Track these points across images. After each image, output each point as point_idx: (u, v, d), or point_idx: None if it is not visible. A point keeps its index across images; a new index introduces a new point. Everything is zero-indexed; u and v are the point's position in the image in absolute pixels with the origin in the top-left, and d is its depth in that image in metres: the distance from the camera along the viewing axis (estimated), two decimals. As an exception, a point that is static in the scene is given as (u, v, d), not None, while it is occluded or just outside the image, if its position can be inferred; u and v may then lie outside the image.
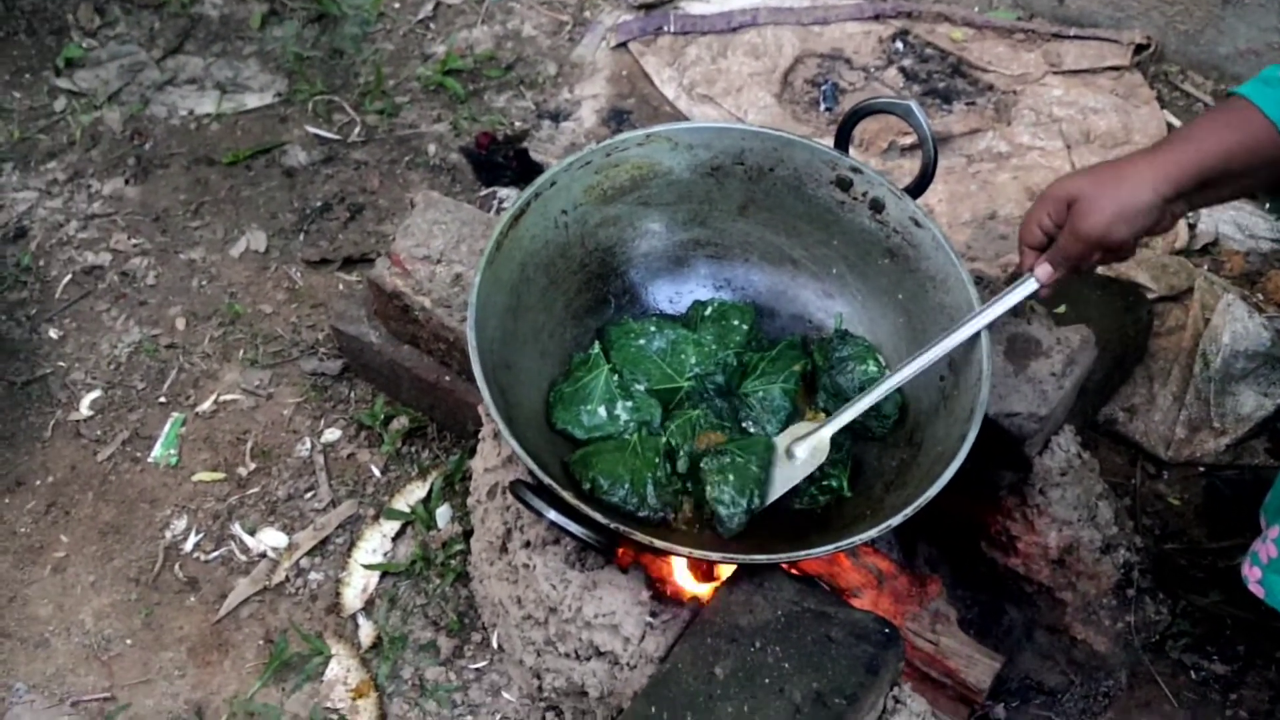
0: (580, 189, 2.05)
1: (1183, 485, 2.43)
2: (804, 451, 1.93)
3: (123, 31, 3.27)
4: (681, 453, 1.98)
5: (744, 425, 2.05)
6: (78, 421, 2.53)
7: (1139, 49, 3.14)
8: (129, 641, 2.25)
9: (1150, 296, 2.55)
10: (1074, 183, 1.75)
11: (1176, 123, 2.98)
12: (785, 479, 1.93)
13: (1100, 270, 2.64)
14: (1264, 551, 1.73)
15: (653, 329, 2.10)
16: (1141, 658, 2.21)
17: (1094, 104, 3.01)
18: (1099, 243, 1.74)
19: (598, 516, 1.72)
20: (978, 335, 1.88)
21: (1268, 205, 1.86)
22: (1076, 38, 3.17)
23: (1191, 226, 2.78)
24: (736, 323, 2.11)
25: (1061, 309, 2.30)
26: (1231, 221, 2.79)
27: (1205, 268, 2.70)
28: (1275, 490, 1.87)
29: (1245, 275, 2.72)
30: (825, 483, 1.96)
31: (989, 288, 2.20)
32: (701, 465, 1.93)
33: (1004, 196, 2.84)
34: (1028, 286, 1.85)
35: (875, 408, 1.98)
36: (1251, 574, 1.75)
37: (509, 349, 1.95)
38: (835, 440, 1.94)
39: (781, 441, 1.97)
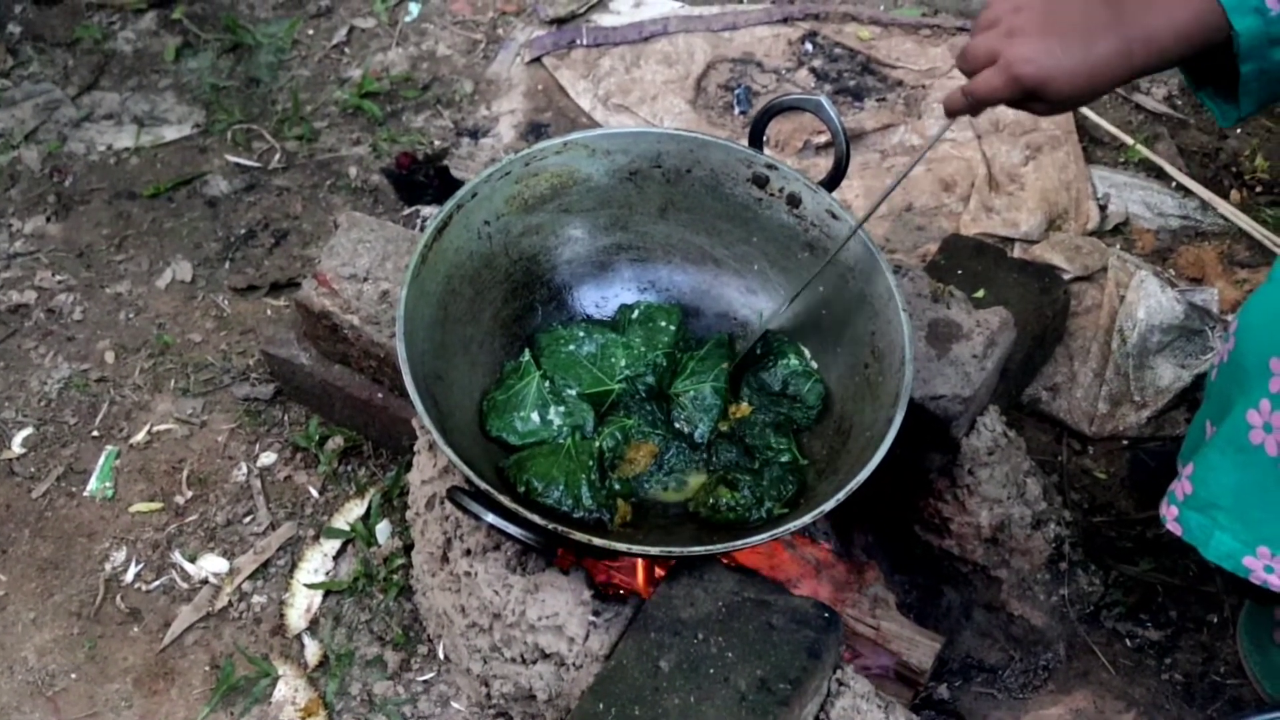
0: (501, 199, 2.07)
1: (1108, 459, 2.48)
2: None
3: (36, 70, 3.26)
4: (612, 462, 2.01)
5: (676, 425, 2.08)
6: (10, 460, 2.52)
7: None
8: (73, 676, 2.24)
9: (1065, 277, 2.60)
10: (1053, 82, 1.63)
11: (1083, 110, 3.04)
12: None
13: (1015, 255, 2.70)
14: (1180, 489, 1.77)
15: (581, 334, 2.13)
16: (1078, 629, 2.26)
17: (1002, 94, 3.07)
18: (1033, 93, 1.68)
19: (534, 518, 1.74)
20: (899, 320, 1.92)
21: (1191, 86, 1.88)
22: (982, 31, 3.23)
23: (1103, 208, 2.85)
24: (664, 324, 2.14)
25: (980, 294, 2.35)
26: (1141, 201, 2.86)
27: (1117, 247, 2.76)
28: (1189, 437, 1.92)
29: (1156, 252, 2.78)
30: (782, 459, 2.00)
31: (908, 276, 2.25)
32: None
33: (919, 189, 2.89)
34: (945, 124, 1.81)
35: (799, 399, 2.02)
36: (1169, 513, 1.78)
37: (439, 360, 1.97)
38: (756, 424, 2.03)
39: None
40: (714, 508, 1.94)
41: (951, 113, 1.77)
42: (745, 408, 2.07)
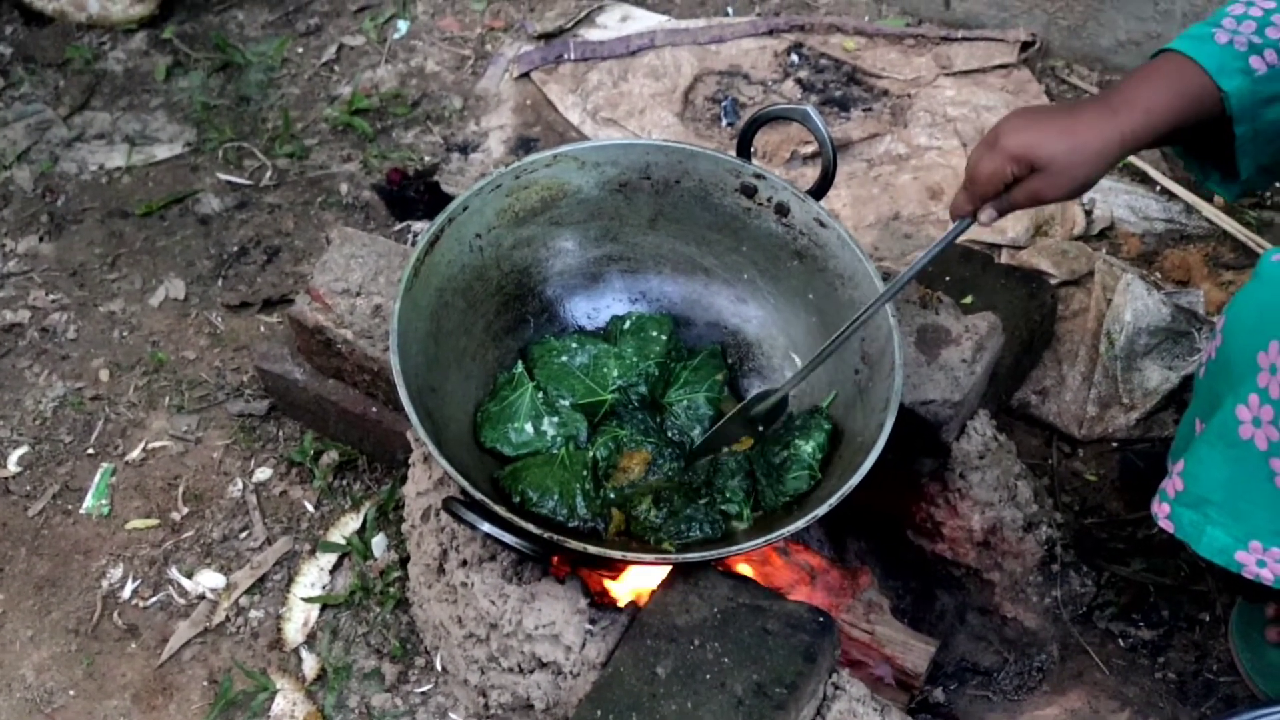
0: (492, 212, 2.09)
1: (1098, 461, 2.50)
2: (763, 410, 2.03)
3: (28, 91, 3.27)
4: (606, 472, 2.02)
5: (669, 434, 2.10)
6: (6, 479, 2.52)
7: (1025, 46, 3.24)
8: (72, 693, 2.24)
9: (1053, 282, 2.62)
10: (1040, 145, 1.72)
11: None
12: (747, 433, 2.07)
13: (1003, 260, 2.72)
14: (1170, 486, 1.79)
15: (574, 345, 2.14)
16: (1071, 630, 2.27)
17: (986, 102, 3.10)
18: (1053, 203, 1.79)
19: (530, 527, 1.76)
20: (889, 327, 1.94)
21: (1182, 164, 1.92)
22: (965, 39, 3.26)
23: (1088, 213, 2.87)
24: (655, 334, 2.16)
25: (968, 299, 2.37)
26: (1126, 205, 2.88)
27: (1104, 251, 2.78)
28: (1179, 435, 1.94)
29: (1142, 256, 2.80)
30: (724, 508, 2.01)
31: (897, 283, 2.27)
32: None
33: (905, 197, 2.91)
34: (966, 225, 1.85)
35: (783, 483, 2.01)
36: (1161, 510, 1.80)
37: (433, 373, 1.98)
38: (732, 469, 2.04)
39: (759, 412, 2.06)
40: (635, 517, 1.97)
41: (957, 214, 1.85)
42: (748, 440, 2.09)
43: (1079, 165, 1.72)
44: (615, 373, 2.12)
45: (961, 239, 2.73)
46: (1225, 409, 1.68)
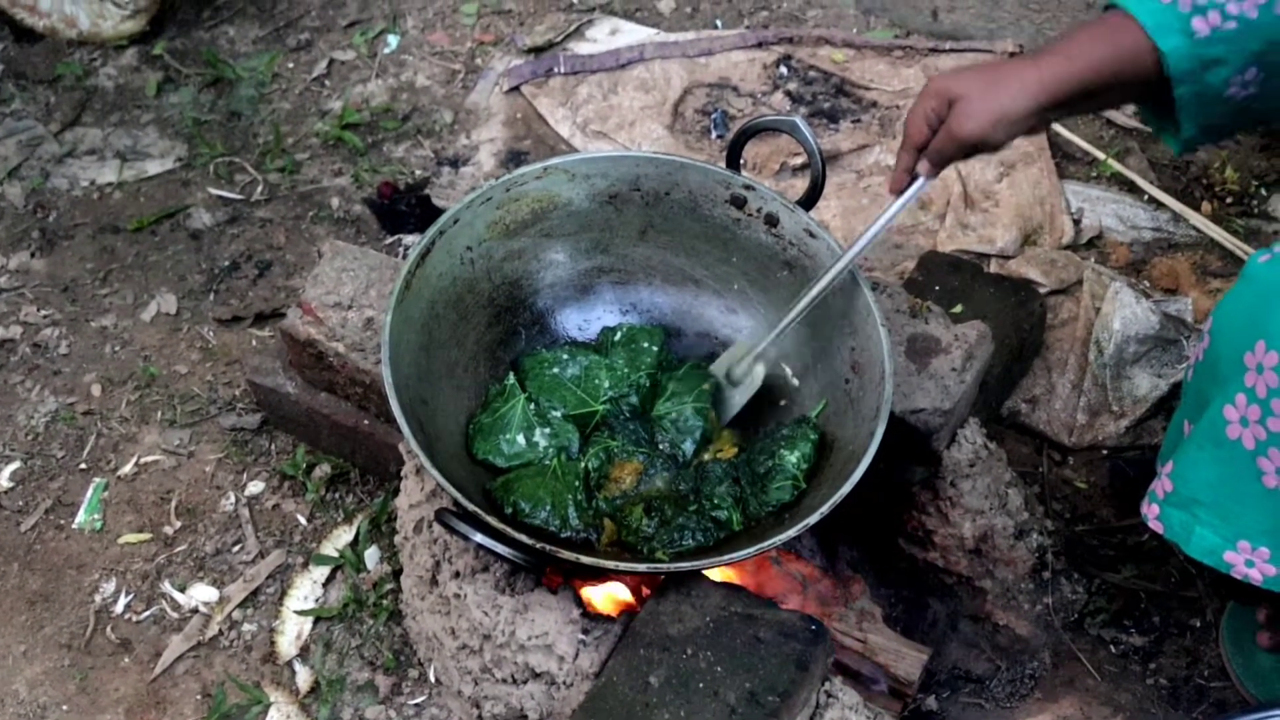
0: (483, 225, 2.10)
1: (1088, 469, 2.51)
2: (742, 373, 2.08)
3: (19, 108, 3.28)
4: (598, 482, 2.03)
5: (659, 446, 2.11)
6: (-2, 494, 2.54)
7: (1012, 57, 3.25)
8: (65, 708, 2.24)
9: (1042, 291, 2.63)
10: (957, 82, 1.81)
11: (1055, 125, 3.08)
12: (734, 402, 2.11)
13: (992, 269, 2.73)
14: (1160, 488, 1.80)
15: (565, 357, 2.15)
16: (1062, 637, 2.28)
17: (975, 113, 3.11)
18: (974, 145, 1.82)
19: (522, 538, 1.76)
20: (878, 336, 1.95)
21: (1138, 114, 1.95)
22: (952, 50, 3.28)
23: (1076, 222, 2.88)
24: (646, 344, 2.17)
25: (958, 309, 2.38)
26: (1114, 214, 2.89)
27: (1092, 260, 2.79)
28: (1167, 437, 1.95)
29: (1130, 264, 2.81)
30: (715, 514, 2.01)
31: (887, 293, 2.28)
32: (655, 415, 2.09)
33: (895, 207, 2.92)
34: (920, 185, 1.92)
35: (766, 492, 2.01)
36: (1150, 511, 1.81)
37: (425, 385, 1.99)
38: (719, 475, 2.04)
39: (719, 369, 2.12)
40: (627, 527, 1.97)
41: (896, 188, 1.95)
42: (730, 449, 2.10)
43: (993, 96, 1.76)
44: (606, 384, 2.12)
45: (949, 249, 2.76)
46: (1213, 409, 1.69)
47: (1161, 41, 1.69)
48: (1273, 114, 1.84)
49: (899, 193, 1.93)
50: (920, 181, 1.91)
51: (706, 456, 2.09)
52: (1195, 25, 1.69)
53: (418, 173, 3.13)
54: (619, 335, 2.19)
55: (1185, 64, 1.71)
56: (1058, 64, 1.75)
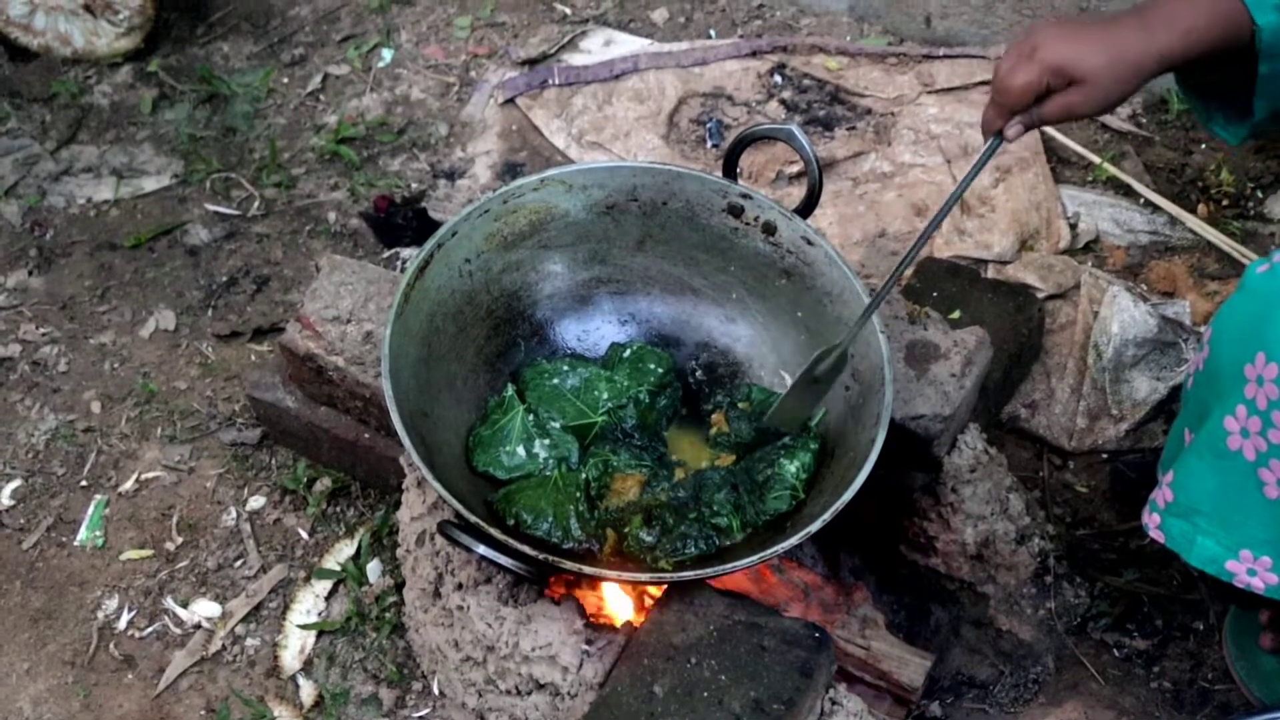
0: (481, 237, 2.10)
1: (1088, 473, 2.51)
2: (826, 368, 1.98)
3: (14, 126, 3.28)
4: (599, 492, 2.03)
5: (659, 454, 2.11)
6: (0, 512, 2.53)
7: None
8: (69, 726, 2.25)
9: (1039, 296, 2.63)
10: (1081, 58, 1.69)
11: (1050, 130, 3.08)
12: (814, 397, 2.04)
13: (989, 275, 2.73)
14: (1160, 497, 1.80)
15: (565, 368, 2.15)
16: (1066, 641, 2.28)
17: (969, 119, 3.12)
18: (1081, 119, 1.78)
19: (525, 549, 1.76)
20: (878, 342, 1.95)
21: (1179, 99, 1.89)
22: (946, 57, 3.28)
23: (1073, 226, 2.89)
24: (653, 366, 2.17)
25: (956, 314, 2.38)
26: (1110, 218, 2.90)
27: (1089, 264, 2.80)
28: (1168, 446, 1.95)
29: (1127, 268, 2.82)
30: (715, 521, 2.01)
31: (885, 300, 2.28)
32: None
33: (891, 214, 2.93)
34: (997, 144, 1.81)
35: (764, 501, 2.01)
36: (1151, 520, 1.81)
37: (425, 398, 1.99)
38: (717, 482, 2.03)
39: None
40: (629, 537, 1.97)
41: (989, 130, 1.81)
42: (728, 457, 2.10)
43: (1117, 80, 1.70)
44: (605, 395, 2.12)
45: (946, 255, 2.76)
46: (1213, 420, 1.69)
47: (1259, 16, 1.66)
48: None
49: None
50: (995, 142, 1.81)
51: (705, 464, 2.09)
52: None
53: (414, 186, 3.13)
54: (628, 353, 2.18)
55: (1275, 39, 1.68)
56: (1175, 40, 1.68)
